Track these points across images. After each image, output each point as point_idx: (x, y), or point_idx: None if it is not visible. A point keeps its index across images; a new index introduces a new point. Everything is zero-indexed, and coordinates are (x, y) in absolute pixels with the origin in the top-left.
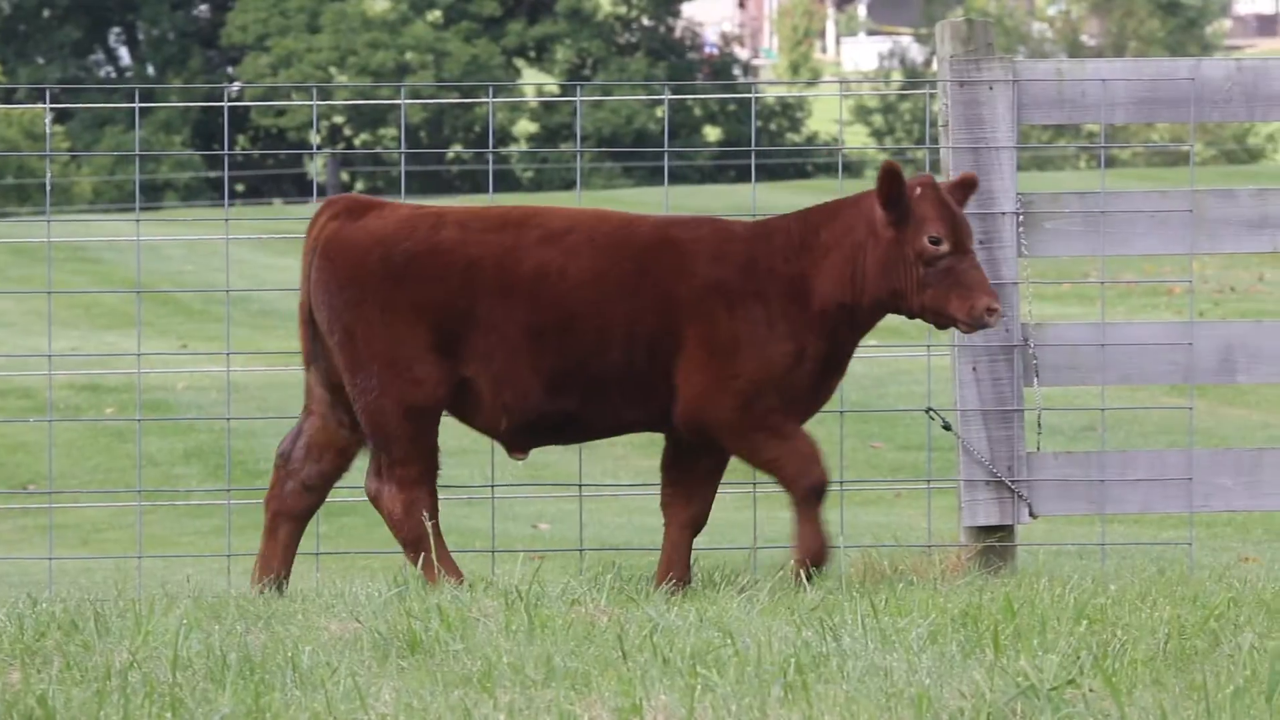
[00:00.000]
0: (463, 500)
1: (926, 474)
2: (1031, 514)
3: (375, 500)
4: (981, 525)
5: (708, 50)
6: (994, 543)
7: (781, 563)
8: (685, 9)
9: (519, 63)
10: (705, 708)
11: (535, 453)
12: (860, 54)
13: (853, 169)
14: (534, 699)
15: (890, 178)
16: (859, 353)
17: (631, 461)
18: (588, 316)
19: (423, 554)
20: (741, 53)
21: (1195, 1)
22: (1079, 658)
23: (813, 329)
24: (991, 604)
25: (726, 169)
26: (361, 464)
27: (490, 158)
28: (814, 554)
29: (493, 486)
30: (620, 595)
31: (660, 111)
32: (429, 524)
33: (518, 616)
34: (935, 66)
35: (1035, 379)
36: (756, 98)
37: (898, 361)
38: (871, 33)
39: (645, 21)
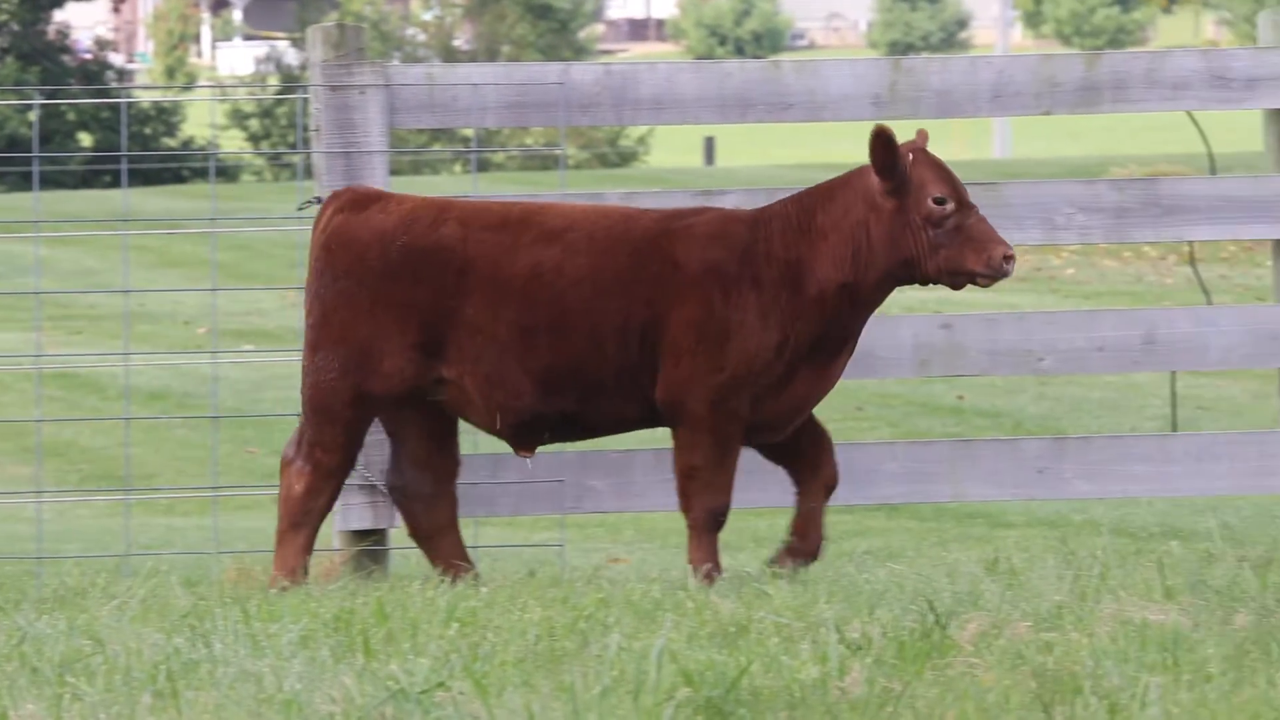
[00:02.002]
0: None
1: None
2: None
3: (284, 467)
4: (355, 529)
5: (81, 54)
6: (367, 546)
7: (153, 570)
8: (57, 13)
9: None
10: (74, 717)
11: None
12: (236, 59)
13: (228, 173)
14: None
15: (882, 144)
16: (233, 357)
17: (4, 470)
18: (581, 314)
19: (286, 542)
20: (116, 57)
21: (566, 5)
22: (449, 660)
23: (805, 315)
24: (364, 608)
25: (101, 174)
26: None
27: None
28: (708, 570)
29: None
30: None
31: (31, 116)
32: (316, 518)
33: None
34: (309, 71)
35: None
36: (130, 103)
37: (274, 366)
38: (248, 38)
39: (15, 25)
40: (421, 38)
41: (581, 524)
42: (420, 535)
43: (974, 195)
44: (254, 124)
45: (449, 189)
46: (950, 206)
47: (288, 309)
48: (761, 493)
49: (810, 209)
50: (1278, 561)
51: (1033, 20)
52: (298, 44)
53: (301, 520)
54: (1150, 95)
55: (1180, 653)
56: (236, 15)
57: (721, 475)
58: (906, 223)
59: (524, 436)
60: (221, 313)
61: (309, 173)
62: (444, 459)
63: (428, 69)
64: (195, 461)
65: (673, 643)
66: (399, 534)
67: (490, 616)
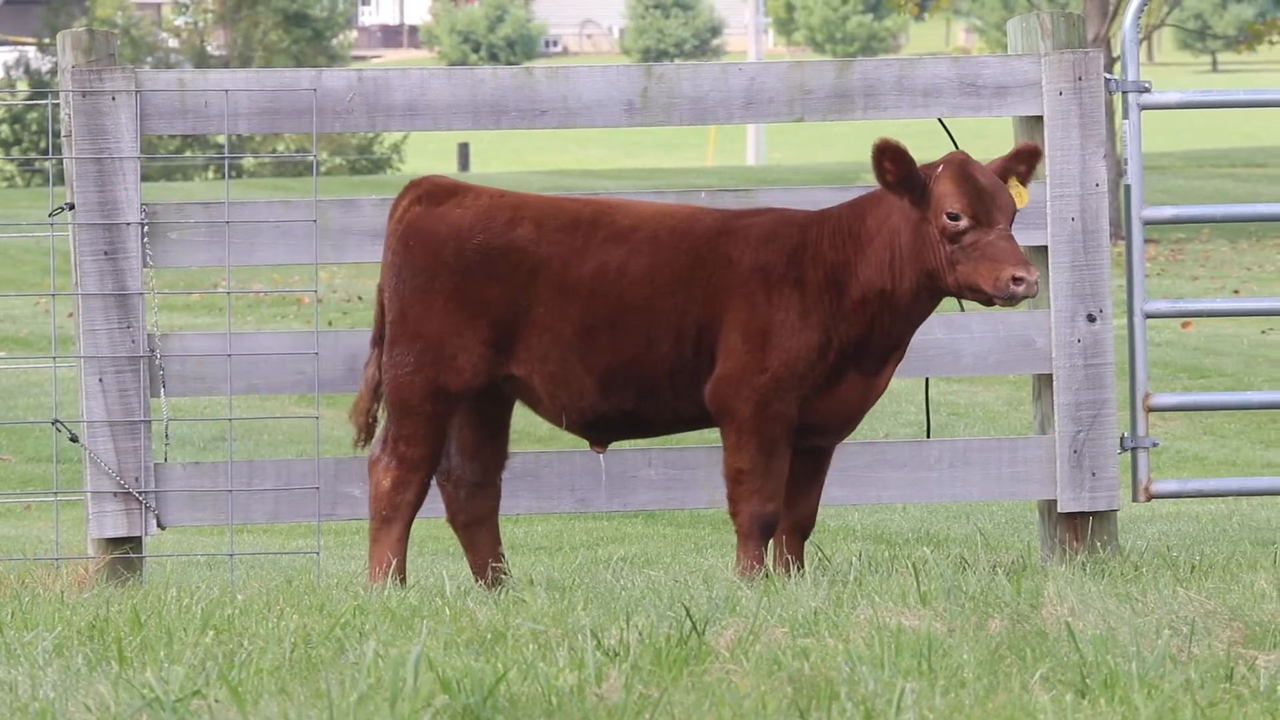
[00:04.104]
0: None
1: (54, 486)
2: (160, 525)
3: (371, 466)
4: (110, 537)
5: None
6: (122, 554)
7: None
8: None
9: None
10: None
11: None
12: None
13: None
14: None
15: (888, 157)
16: None
17: None
18: (639, 312)
19: (380, 539)
20: None
21: (321, 13)
22: (205, 668)
23: (849, 318)
24: (119, 616)
25: None
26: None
27: None
28: (754, 574)
29: None
30: None
31: None
32: (407, 512)
33: None
34: (60, 77)
35: (163, 389)
36: None
37: (27, 373)
38: None
39: None
40: (174, 43)
41: (338, 530)
42: (459, 523)
43: (726, 201)
44: (4, 129)
45: (203, 195)
46: (964, 223)
47: (40, 315)
48: (514, 500)
49: (861, 212)
50: (1031, 567)
51: (785, 27)
52: (47, 49)
53: (392, 515)
54: (902, 102)
55: (935, 658)
56: None
57: (769, 481)
58: (927, 235)
59: (592, 434)
60: None
61: (61, 179)
62: (494, 449)
63: (179, 75)
64: None
65: (429, 650)
66: (154, 541)
67: (246, 624)
